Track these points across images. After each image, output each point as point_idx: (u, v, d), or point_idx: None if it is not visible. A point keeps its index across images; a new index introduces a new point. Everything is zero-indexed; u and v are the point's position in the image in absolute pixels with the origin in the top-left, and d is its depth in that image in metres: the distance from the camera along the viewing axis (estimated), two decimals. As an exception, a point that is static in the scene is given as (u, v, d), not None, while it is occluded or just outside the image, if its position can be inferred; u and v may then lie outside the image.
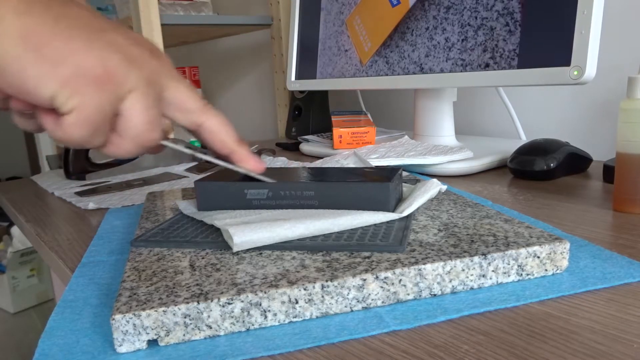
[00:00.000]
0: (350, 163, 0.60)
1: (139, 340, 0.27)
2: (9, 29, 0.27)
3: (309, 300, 0.29)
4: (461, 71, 0.67)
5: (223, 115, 0.37)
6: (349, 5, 0.86)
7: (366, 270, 0.30)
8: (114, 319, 0.27)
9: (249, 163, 0.39)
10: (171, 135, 0.94)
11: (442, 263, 0.31)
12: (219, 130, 0.37)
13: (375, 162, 0.64)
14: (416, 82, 0.74)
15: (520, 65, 0.60)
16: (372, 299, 0.30)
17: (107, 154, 0.33)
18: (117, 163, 0.82)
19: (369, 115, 0.91)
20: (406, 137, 0.78)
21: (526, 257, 0.32)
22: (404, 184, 0.46)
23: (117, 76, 0.30)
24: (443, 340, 0.27)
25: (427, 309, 0.30)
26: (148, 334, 0.27)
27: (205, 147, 0.39)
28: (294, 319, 0.29)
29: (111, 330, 0.27)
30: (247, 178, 0.42)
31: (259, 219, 0.38)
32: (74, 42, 0.29)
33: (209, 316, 0.28)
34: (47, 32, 0.28)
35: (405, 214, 0.38)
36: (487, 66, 0.64)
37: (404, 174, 0.59)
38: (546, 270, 0.33)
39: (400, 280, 0.30)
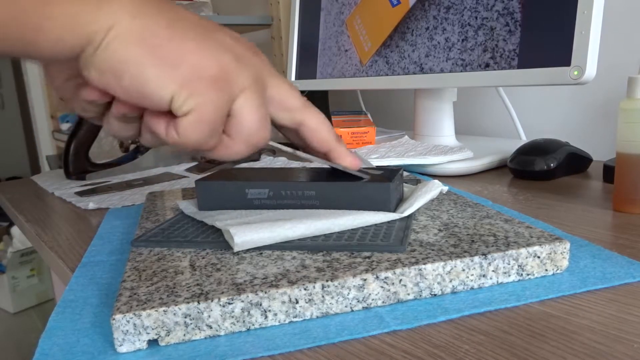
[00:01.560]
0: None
1: (139, 340, 0.27)
2: (124, 32, 0.27)
3: (309, 300, 0.29)
4: (461, 71, 0.67)
5: (322, 113, 0.37)
6: (349, 5, 0.86)
7: (366, 270, 0.30)
8: (114, 319, 0.27)
9: (348, 160, 0.39)
10: None
11: (442, 263, 0.31)
12: (319, 129, 0.37)
13: (375, 162, 0.64)
14: (416, 82, 0.74)
15: (520, 65, 0.60)
16: (373, 299, 0.30)
17: (218, 156, 0.32)
18: (117, 163, 0.82)
19: (369, 115, 0.91)
20: (406, 137, 0.78)
21: (526, 257, 0.32)
22: (404, 184, 0.46)
23: (231, 75, 0.30)
24: (443, 340, 0.27)
25: (428, 309, 0.30)
26: (148, 333, 0.27)
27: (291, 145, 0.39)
28: (294, 319, 0.29)
29: (111, 330, 0.27)
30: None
31: (259, 219, 0.38)
32: (188, 43, 0.29)
33: (209, 316, 0.28)
34: (162, 34, 0.28)
35: (406, 214, 0.38)
36: (487, 66, 0.64)
37: (405, 174, 0.59)
38: (546, 270, 0.33)
39: (400, 280, 0.30)
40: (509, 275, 0.32)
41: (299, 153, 0.39)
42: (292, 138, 0.38)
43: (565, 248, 0.33)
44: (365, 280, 0.30)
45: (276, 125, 0.37)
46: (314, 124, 0.36)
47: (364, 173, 0.41)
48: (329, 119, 0.88)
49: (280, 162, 0.83)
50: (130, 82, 0.28)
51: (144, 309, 0.27)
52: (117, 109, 0.31)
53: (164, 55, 0.28)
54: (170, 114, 0.29)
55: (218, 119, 0.30)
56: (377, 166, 0.47)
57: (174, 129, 0.30)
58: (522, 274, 0.33)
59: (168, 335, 0.28)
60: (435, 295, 0.31)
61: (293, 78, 1.00)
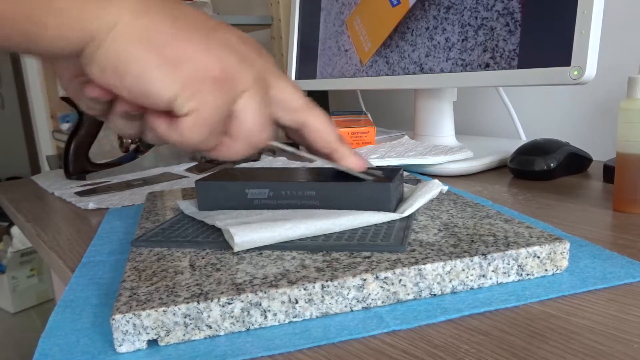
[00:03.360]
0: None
1: (139, 340, 0.27)
2: (128, 30, 0.27)
3: (309, 300, 0.29)
4: (461, 71, 0.67)
5: (325, 113, 0.37)
6: (349, 5, 0.86)
7: (366, 270, 0.30)
8: (114, 319, 0.27)
9: (351, 161, 0.39)
10: None
11: (442, 263, 0.31)
12: (322, 129, 0.36)
13: (375, 162, 0.64)
14: (416, 82, 0.74)
15: (520, 65, 0.60)
16: (372, 299, 0.30)
17: (218, 156, 0.32)
18: (117, 163, 0.82)
19: (369, 115, 0.91)
20: (406, 137, 0.78)
21: (526, 257, 0.32)
22: (405, 184, 0.46)
23: (234, 76, 0.30)
24: (443, 340, 0.27)
25: (427, 309, 0.30)
26: (148, 333, 0.27)
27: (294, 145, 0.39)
28: (294, 319, 0.29)
29: (111, 330, 0.27)
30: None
31: (260, 219, 0.38)
32: (192, 43, 0.29)
33: (209, 316, 0.28)
34: (166, 33, 0.28)
35: (406, 214, 0.38)
36: (487, 66, 0.64)
37: (405, 174, 0.59)
38: (546, 270, 0.33)
39: (400, 280, 0.30)
40: (509, 275, 0.32)
41: (302, 153, 0.38)
42: (296, 138, 0.38)
43: (565, 248, 0.33)
44: (365, 280, 0.30)
45: (280, 126, 0.37)
46: (317, 125, 0.36)
47: (368, 174, 0.40)
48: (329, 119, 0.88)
49: (280, 162, 0.82)
50: (132, 80, 0.27)
51: (143, 309, 0.27)
52: (119, 106, 0.30)
53: (167, 54, 0.28)
54: (171, 114, 0.29)
55: (219, 120, 0.30)
56: (377, 166, 0.47)
57: (175, 129, 0.29)
58: (521, 274, 0.33)
59: (168, 335, 0.28)
60: (435, 295, 0.31)
61: (293, 78, 1.00)
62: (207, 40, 0.29)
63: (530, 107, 0.87)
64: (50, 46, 0.27)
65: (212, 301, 0.28)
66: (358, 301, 0.30)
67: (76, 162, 0.78)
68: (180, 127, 0.29)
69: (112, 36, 0.27)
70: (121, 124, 0.32)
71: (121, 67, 0.27)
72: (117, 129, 0.33)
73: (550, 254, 0.33)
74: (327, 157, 0.38)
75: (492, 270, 0.32)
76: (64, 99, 0.78)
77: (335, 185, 0.40)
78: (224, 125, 0.31)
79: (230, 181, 0.42)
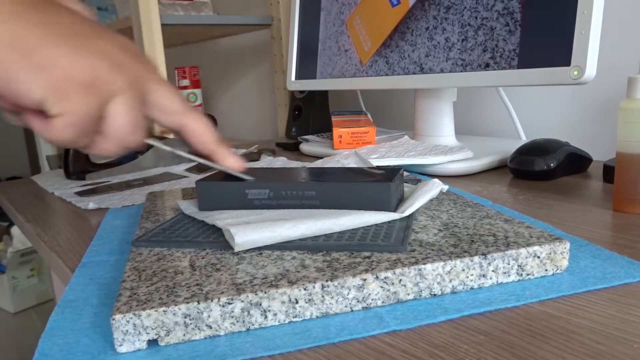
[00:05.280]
0: (351, 163, 0.60)
1: (139, 340, 0.27)
2: None
3: (309, 300, 0.29)
4: (461, 71, 0.67)
5: (204, 117, 0.39)
6: (349, 5, 0.86)
7: (366, 270, 0.30)
8: (114, 319, 0.27)
9: (229, 161, 0.41)
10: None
11: (442, 263, 0.31)
12: (200, 131, 0.38)
13: (375, 162, 0.64)
14: (416, 82, 0.74)
15: (520, 65, 0.60)
16: (372, 299, 0.30)
17: (93, 153, 0.34)
18: (117, 163, 0.82)
19: (369, 115, 0.91)
20: (406, 137, 0.78)
21: (526, 257, 0.32)
22: (405, 184, 0.46)
23: (103, 81, 0.31)
24: (443, 340, 0.27)
25: (427, 309, 0.30)
26: (148, 333, 0.27)
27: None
28: (294, 319, 0.29)
29: (111, 330, 0.27)
30: (229, 176, 0.43)
31: (260, 219, 0.38)
32: (62, 48, 0.30)
33: (209, 316, 0.28)
34: (36, 38, 0.29)
35: (406, 213, 0.38)
36: (487, 66, 0.64)
37: (405, 174, 0.59)
38: (546, 270, 0.33)
39: (400, 280, 0.30)
40: (509, 275, 0.32)
41: (182, 153, 0.41)
42: (183, 141, 0.40)
43: (565, 248, 0.33)
44: (365, 280, 0.30)
45: (163, 127, 0.39)
46: (195, 127, 0.38)
47: (248, 175, 0.42)
48: (329, 119, 0.88)
49: (280, 162, 0.83)
50: (1, 83, 0.29)
51: (143, 309, 0.27)
52: (1, 103, 0.32)
53: (35, 59, 0.29)
54: (45, 113, 0.31)
55: (87, 122, 0.31)
56: (377, 166, 0.47)
57: (47, 128, 0.31)
58: (521, 274, 0.33)
59: (168, 335, 0.28)
60: (435, 295, 0.31)
61: (293, 78, 1.00)
62: (78, 47, 0.31)
63: (530, 107, 0.87)
64: None
65: (212, 301, 0.28)
66: (358, 301, 0.30)
67: (76, 162, 0.78)
68: (52, 127, 0.31)
69: None
70: (10, 118, 0.34)
71: None
72: (9, 121, 0.35)
73: (550, 254, 0.33)
74: (207, 157, 0.40)
75: (492, 270, 0.32)
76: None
77: (336, 185, 0.40)
78: (98, 125, 0.33)
79: (230, 181, 0.42)
